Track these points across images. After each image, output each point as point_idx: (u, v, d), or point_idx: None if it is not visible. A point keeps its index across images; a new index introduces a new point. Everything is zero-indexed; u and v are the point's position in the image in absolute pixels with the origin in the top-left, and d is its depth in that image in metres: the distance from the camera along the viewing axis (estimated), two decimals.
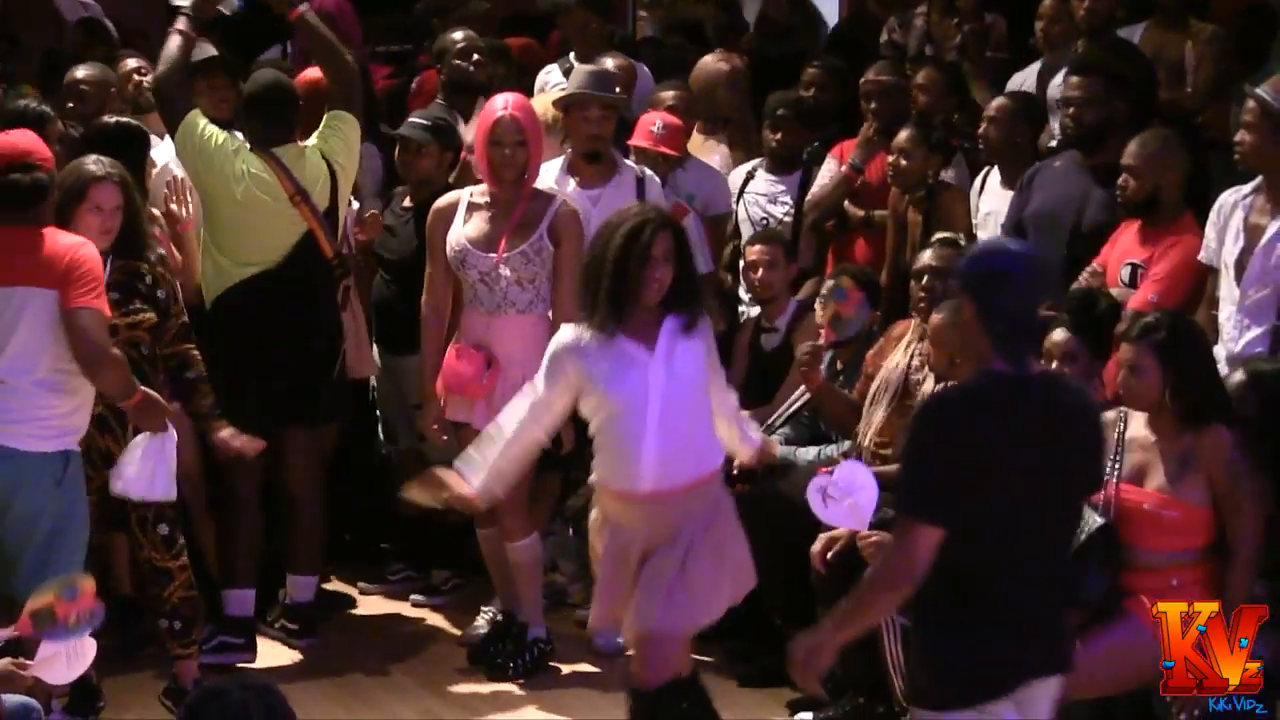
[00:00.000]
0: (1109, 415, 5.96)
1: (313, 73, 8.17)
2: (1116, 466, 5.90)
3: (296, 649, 7.71)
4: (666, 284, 5.77)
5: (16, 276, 6.15)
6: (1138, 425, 5.93)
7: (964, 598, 4.60)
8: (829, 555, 6.66)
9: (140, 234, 6.77)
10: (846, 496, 6.51)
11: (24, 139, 6.42)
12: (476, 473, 5.93)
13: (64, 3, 11.04)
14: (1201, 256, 6.76)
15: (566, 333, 5.89)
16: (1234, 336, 6.55)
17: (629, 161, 7.88)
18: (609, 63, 8.72)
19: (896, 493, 4.75)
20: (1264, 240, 6.51)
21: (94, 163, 6.66)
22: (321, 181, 7.63)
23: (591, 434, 5.94)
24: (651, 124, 8.29)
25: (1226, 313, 6.62)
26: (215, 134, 7.54)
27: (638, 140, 8.29)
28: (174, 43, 7.58)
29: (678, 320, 5.80)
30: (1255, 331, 6.53)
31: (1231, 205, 6.67)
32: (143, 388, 6.35)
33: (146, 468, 6.52)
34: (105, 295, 6.23)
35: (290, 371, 7.54)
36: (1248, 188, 6.64)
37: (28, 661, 5.38)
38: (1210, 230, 6.73)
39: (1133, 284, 6.87)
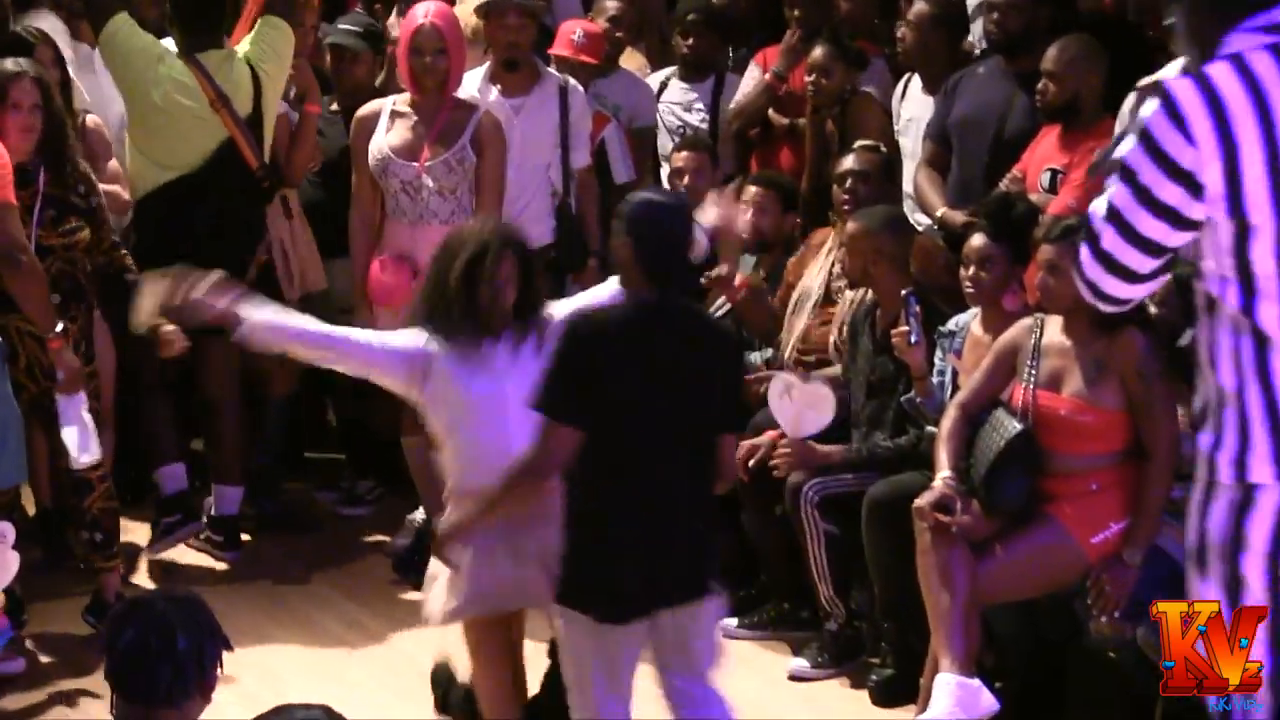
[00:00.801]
0: (1025, 322, 6.01)
1: None
2: (1033, 373, 5.91)
3: (223, 560, 7.70)
4: (509, 306, 5.47)
5: None
6: (1053, 331, 5.94)
7: (597, 507, 4.96)
8: (750, 462, 6.68)
9: (64, 137, 6.72)
10: (801, 406, 6.62)
11: None
12: (259, 312, 5.47)
13: None
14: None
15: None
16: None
17: (552, 70, 7.82)
18: None
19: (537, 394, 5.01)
20: None
21: (11, 62, 6.63)
22: (245, 89, 7.57)
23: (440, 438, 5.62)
24: (571, 33, 8.25)
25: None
26: (138, 37, 7.48)
27: (558, 49, 8.25)
28: None
29: (521, 335, 5.51)
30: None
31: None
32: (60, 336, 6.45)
33: (72, 434, 6.54)
34: (12, 190, 6.29)
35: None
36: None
37: None
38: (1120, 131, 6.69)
39: (1053, 190, 6.90)
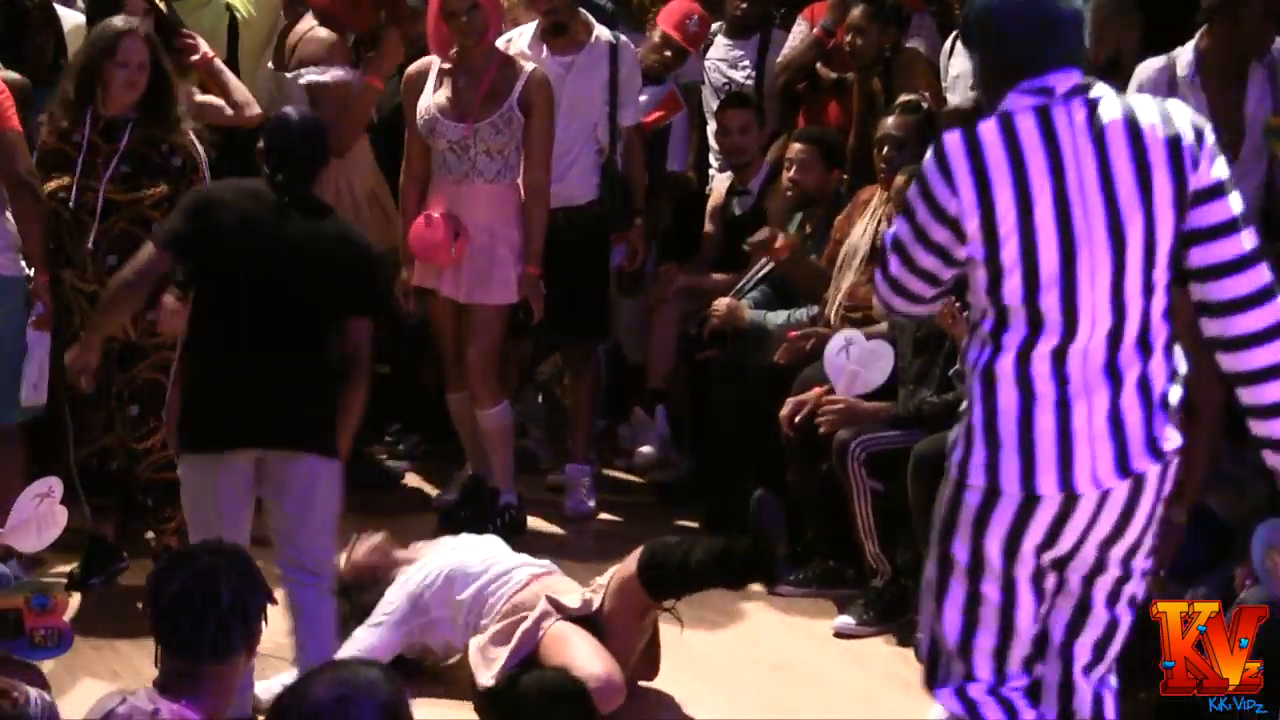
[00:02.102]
0: None
1: None
2: None
3: None
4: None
5: None
6: None
7: (197, 354, 5.59)
8: (796, 419, 6.67)
9: (167, 99, 6.67)
10: (858, 364, 6.61)
11: None
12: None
13: None
14: None
15: None
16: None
17: (601, 29, 7.76)
18: None
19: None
20: (1251, 99, 6.51)
21: (121, 19, 6.61)
22: (219, 34, 7.59)
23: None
24: (688, 16, 8.15)
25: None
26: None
27: (666, 26, 8.15)
28: None
29: None
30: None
31: (1168, 82, 6.59)
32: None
33: (31, 372, 6.60)
34: (16, 119, 6.48)
35: None
36: (1183, 64, 6.59)
37: None
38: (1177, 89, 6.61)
39: None
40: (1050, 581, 4.17)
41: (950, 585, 4.20)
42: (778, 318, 7.30)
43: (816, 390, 6.70)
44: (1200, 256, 4.09)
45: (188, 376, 5.64)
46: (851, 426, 6.62)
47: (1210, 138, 4.03)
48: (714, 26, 8.54)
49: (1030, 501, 4.02)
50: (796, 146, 7.49)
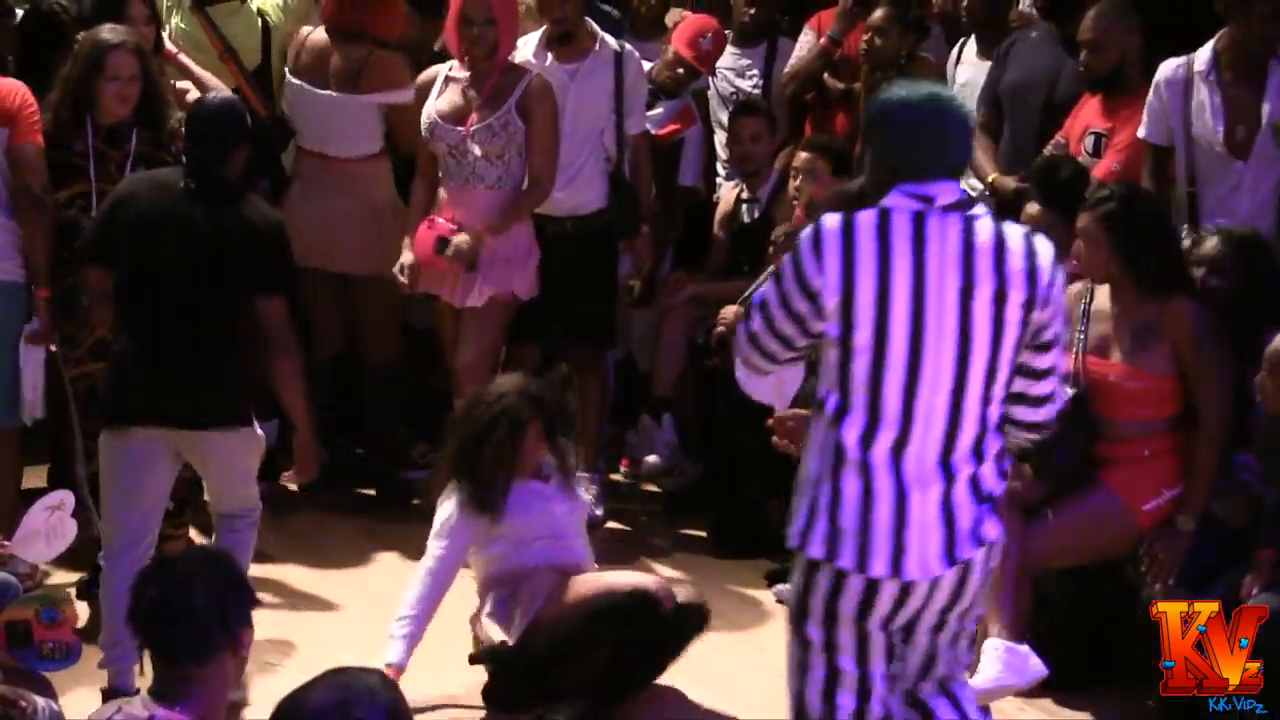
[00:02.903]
0: (1075, 288, 5.98)
1: None
2: (1081, 339, 5.93)
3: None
4: (542, 459, 6.13)
5: None
6: (1102, 298, 5.94)
7: (121, 336, 5.86)
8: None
9: (160, 101, 6.70)
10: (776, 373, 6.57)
11: None
12: (400, 648, 5.88)
13: None
14: (1144, 133, 6.70)
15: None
16: (1229, 210, 6.51)
17: (607, 38, 7.75)
18: None
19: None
20: (1268, 111, 6.47)
21: (108, 31, 6.60)
22: (254, 40, 7.65)
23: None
24: (701, 34, 8.10)
25: (1219, 190, 6.56)
26: None
27: (679, 44, 8.10)
28: None
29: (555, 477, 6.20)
30: (1252, 192, 6.52)
31: (1185, 80, 6.59)
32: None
33: (28, 388, 6.67)
34: (40, 133, 6.53)
35: None
36: (1201, 61, 6.57)
37: (6, 541, 5.43)
38: (1155, 105, 6.66)
39: (1097, 153, 6.86)
40: (898, 640, 4.36)
41: (811, 662, 4.35)
42: None
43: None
44: (1019, 386, 4.32)
45: (110, 356, 5.97)
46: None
47: (1060, 283, 4.29)
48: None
49: (872, 584, 4.22)
50: (803, 156, 7.48)
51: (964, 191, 4.22)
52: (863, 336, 4.13)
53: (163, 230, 5.70)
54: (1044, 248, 4.25)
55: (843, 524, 4.18)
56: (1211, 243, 6.06)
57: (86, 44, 6.57)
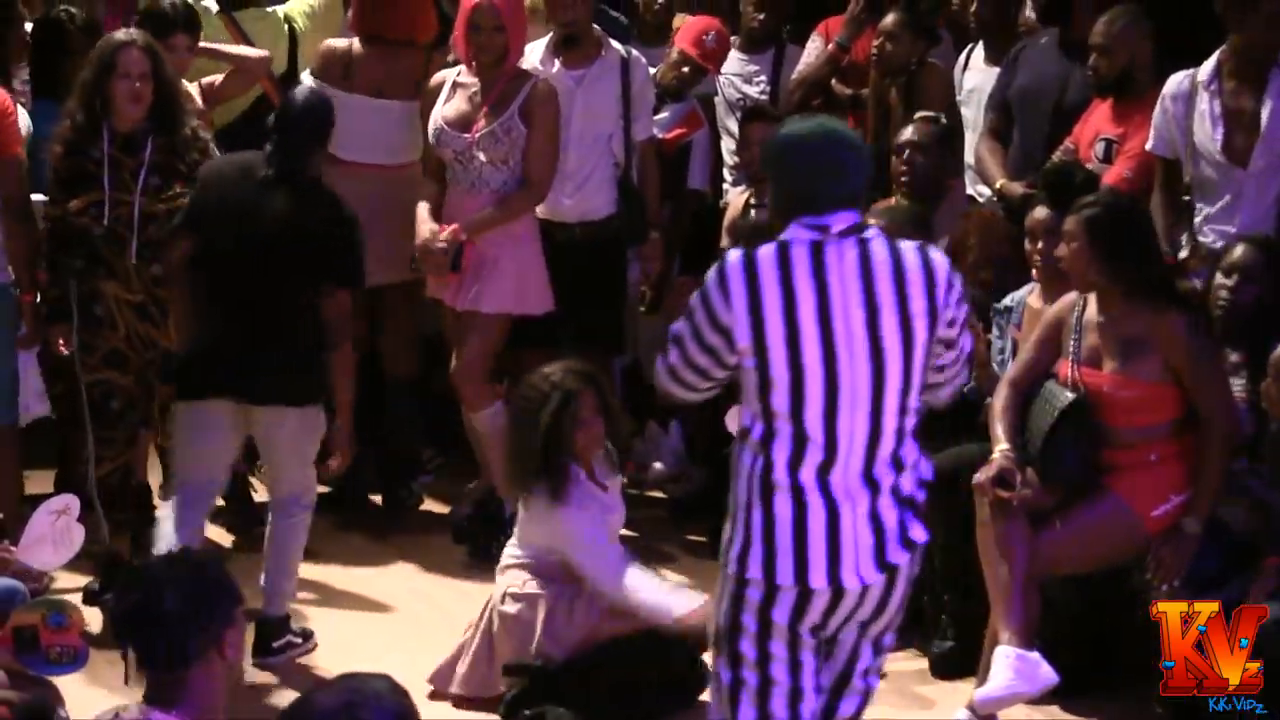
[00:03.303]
0: (1070, 297, 6.01)
1: None
2: (1076, 348, 5.92)
3: None
4: (602, 436, 6.21)
5: None
6: (1093, 309, 5.94)
7: (198, 311, 6.37)
8: None
9: (175, 103, 6.71)
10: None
11: None
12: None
13: None
14: (1151, 146, 6.71)
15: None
16: (1238, 211, 6.51)
17: (613, 43, 7.77)
18: None
19: None
20: (1266, 117, 6.46)
21: (120, 32, 6.67)
22: (280, 46, 7.69)
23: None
24: (705, 33, 8.13)
25: (1221, 199, 6.55)
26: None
27: (684, 44, 8.15)
28: None
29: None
30: (1257, 200, 6.51)
31: (1189, 91, 6.59)
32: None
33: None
34: (19, 143, 6.71)
35: None
36: (1204, 72, 6.57)
37: (13, 547, 5.44)
38: (1160, 120, 6.66)
39: (1107, 160, 6.85)
40: (821, 653, 4.48)
41: (745, 678, 4.44)
42: None
43: None
44: (931, 377, 4.50)
45: (184, 331, 6.44)
46: None
47: (959, 287, 4.44)
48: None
49: (805, 594, 4.33)
50: None
51: (858, 216, 4.36)
52: (778, 368, 4.26)
53: (240, 214, 6.17)
54: (939, 258, 4.43)
55: (778, 544, 4.31)
56: (1240, 250, 6.06)
57: (99, 46, 6.62)
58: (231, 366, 6.16)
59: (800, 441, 4.29)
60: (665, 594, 6.03)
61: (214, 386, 6.23)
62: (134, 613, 3.96)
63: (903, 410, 4.34)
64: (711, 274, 4.33)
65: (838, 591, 4.33)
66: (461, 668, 6.08)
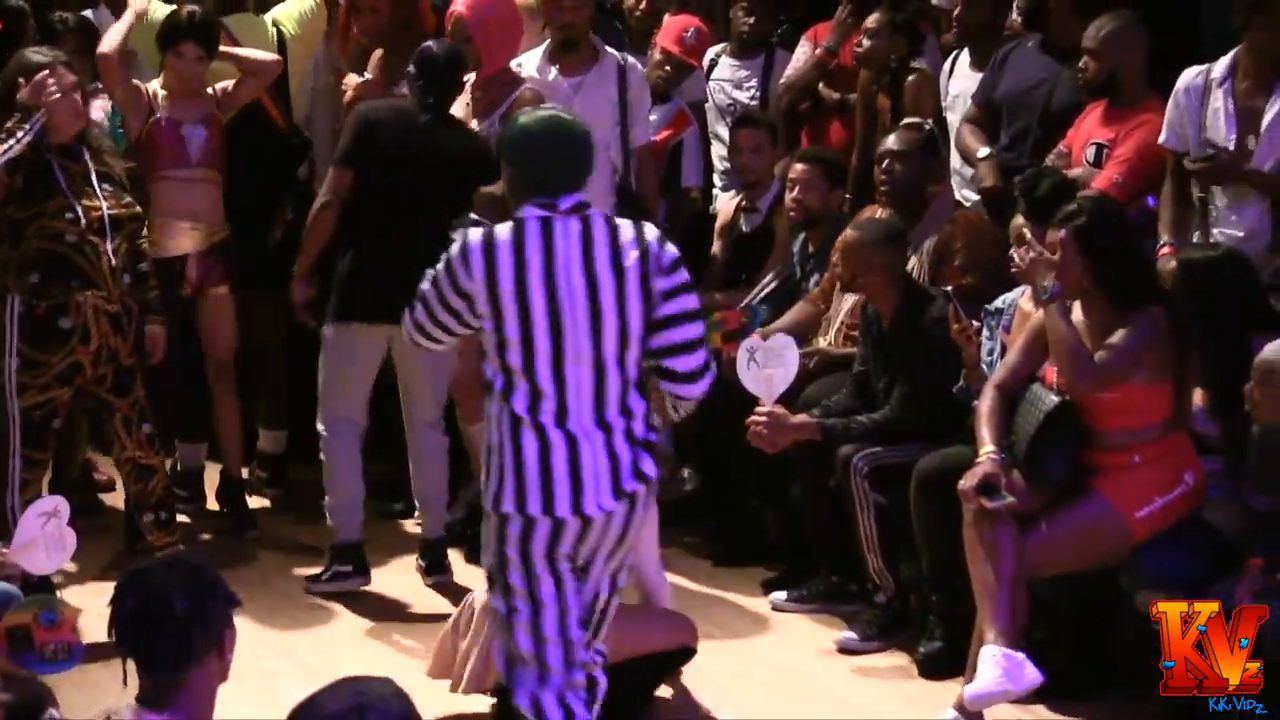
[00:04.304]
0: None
1: None
2: None
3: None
4: None
5: None
6: (1078, 311, 5.94)
7: (355, 238, 7.03)
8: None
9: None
10: (769, 366, 6.67)
11: None
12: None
13: None
14: (1162, 139, 6.70)
15: None
16: (1234, 215, 6.53)
17: (608, 50, 7.80)
18: None
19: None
20: (1268, 119, 6.46)
21: (36, 53, 6.68)
22: (268, 48, 7.76)
23: None
24: (685, 29, 8.20)
25: (1230, 197, 6.54)
26: (158, 7, 7.67)
27: (665, 42, 8.20)
28: None
29: None
30: (1252, 209, 6.50)
31: (1203, 87, 6.59)
32: None
33: None
34: None
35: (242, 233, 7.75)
36: (1219, 68, 6.56)
37: (5, 550, 5.42)
38: (1173, 113, 6.65)
39: (1098, 164, 6.86)
40: (593, 579, 4.95)
41: (516, 607, 4.88)
42: (775, 332, 7.23)
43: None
44: (663, 339, 4.90)
45: (343, 260, 7.03)
46: (782, 440, 6.69)
47: (672, 250, 4.92)
48: (718, 47, 8.57)
49: (556, 523, 4.79)
50: (799, 167, 7.50)
51: (581, 197, 4.85)
52: (511, 330, 4.77)
53: (408, 153, 6.84)
54: (649, 230, 4.92)
55: (527, 479, 4.78)
56: (1170, 264, 6.16)
57: (20, 63, 6.61)
58: (390, 291, 6.16)
59: (535, 392, 4.79)
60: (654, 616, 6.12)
61: (372, 311, 6.79)
62: (140, 615, 3.99)
63: (622, 364, 4.83)
64: (455, 248, 4.82)
65: (584, 520, 4.79)
66: (465, 670, 5.99)
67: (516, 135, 4.90)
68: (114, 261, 6.64)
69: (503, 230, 4.80)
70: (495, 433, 4.85)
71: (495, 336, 4.80)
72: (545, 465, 4.77)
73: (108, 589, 5.96)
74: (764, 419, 6.67)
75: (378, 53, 7.64)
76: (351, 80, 7.72)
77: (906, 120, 7.35)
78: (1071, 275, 5.86)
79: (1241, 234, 6.48)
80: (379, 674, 3.58)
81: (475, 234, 4.82)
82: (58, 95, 6.47)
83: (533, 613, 4.86)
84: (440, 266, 4.86)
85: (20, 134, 6.42)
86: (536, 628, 4.87)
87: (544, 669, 4.89)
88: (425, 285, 4.92)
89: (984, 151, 7.30)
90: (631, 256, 4.82)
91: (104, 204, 6.63)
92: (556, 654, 4.88)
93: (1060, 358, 5.78)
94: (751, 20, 8.42)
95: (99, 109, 7.66)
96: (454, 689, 5.96)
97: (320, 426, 7.13)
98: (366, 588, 7.14)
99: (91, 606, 6.17)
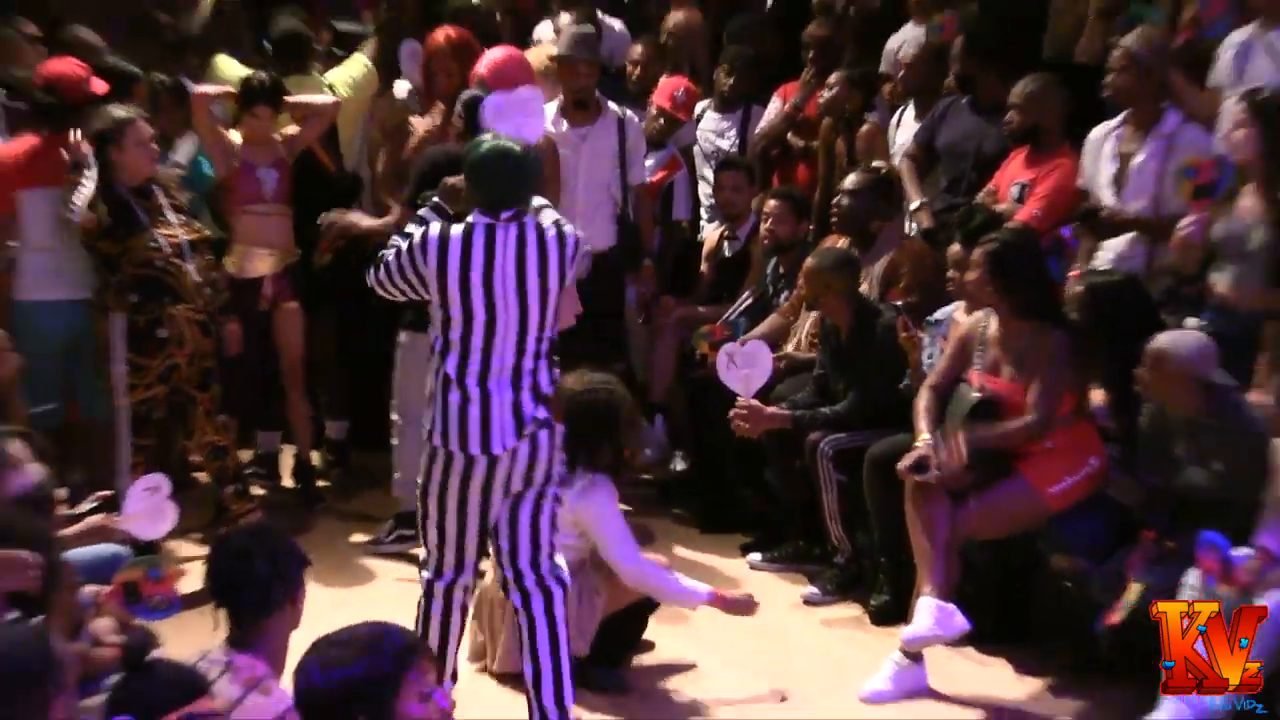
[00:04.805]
0: (977, 315, 6.05)
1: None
2: (980, 359, 5.97)
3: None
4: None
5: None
6: (994, 326, 5.97)
7: None
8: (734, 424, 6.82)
9: None
10: (746, 368, 6.66)
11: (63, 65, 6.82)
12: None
13: None
14: (1080, 181, 6.75)
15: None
16: (1118, 243, 6.56)
17: (611, 105, 7.78)
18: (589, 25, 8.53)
19: None
20: (1136, 163, 6.51)
21: (117, 108, 6.69)
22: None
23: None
24: (676, 89, 8.15)
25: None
26: (234, 68, 7.68)
27: (659, 100, 8.15)
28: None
29: None
30: (1130, 236, 6.54)
31: (1102, 136, 6.67)
32: None
33: None
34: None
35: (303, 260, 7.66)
36: (1114, 122, 6.64)
37: (118, 519, 5.45)
38: (1085, 159, 6.72)
39: (1021, 200, 6.85)
40: (494, 504, 5.20)
41: (430, 512, 5.22)
42: (751, 338, 7.20)
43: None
44: None
45: None
46: (761, 428, 6.70)
47: (579, 253, 5.22)
48: (704, 102, 8.54)
49: (469, 459, 5.10)
50: (771, 203, 7.51)
51: (520, 208, 5.08)
52: (455, 311, 5.02)
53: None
54: (568, 231, 5.17)
55: (450, 423, 5.08)
56: (1077, 286, 6.12)
57: (107, 119, 6.60)
58: None
59: (464, 358, 5.06)
60: (683, 583, 5.92)
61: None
62: (229, 573, 4.07)
63: (539, 339, 5.12)
64: (417, 237, 5.07)
65: (491, 458, 5.09)
66: (497, 652, 5.95)
67: (474, 159, 5.07)
68: (195, 278, 6.66)
69: (455, 230, 5.03)
70: (432, 382, 5.14)
71: (441, 312, 5.05)
72: (464, 415, 5.06)
73: (201, 551, 6.13)
74: (744, 411, 6.73)
75: (439, 105, 7.66)
76: (419, 123, 7.63)
77: (872, 163, 7.33)
78: (980, 290, 5.93)
79: (1113, 257, 6.50)
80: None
81: (434, 229, 5.06)
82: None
83: (439, 519, 5.21)
84: (404, 245, 5.09)
85: (85, 182, 6.46)
86: (441, 531, 5.22)
87: (440, 563, 5.26)
88: (389, 255, 5.14)
89: (916, 203, 7.29)
90: (554, 256, 5.09)
91: (180, 231, 6.65)
92: (451, 554, 5.23)
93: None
94: (731, 81, 8.38)
95: (184, 153, 7.69)
96: (488, 670, 5.96)
97: (395, 415, 7.03)
98: (385, 571, 7.04)
99: (188, 565, 6.35)
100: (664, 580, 5.86)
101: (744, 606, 5.97)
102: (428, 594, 5.27)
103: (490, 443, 5.07)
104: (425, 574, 5.30)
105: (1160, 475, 5.63)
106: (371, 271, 5.20)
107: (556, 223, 5.17)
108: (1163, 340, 5.53)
